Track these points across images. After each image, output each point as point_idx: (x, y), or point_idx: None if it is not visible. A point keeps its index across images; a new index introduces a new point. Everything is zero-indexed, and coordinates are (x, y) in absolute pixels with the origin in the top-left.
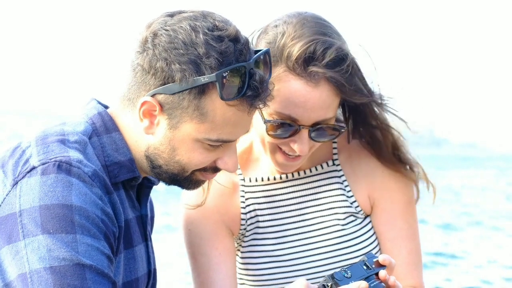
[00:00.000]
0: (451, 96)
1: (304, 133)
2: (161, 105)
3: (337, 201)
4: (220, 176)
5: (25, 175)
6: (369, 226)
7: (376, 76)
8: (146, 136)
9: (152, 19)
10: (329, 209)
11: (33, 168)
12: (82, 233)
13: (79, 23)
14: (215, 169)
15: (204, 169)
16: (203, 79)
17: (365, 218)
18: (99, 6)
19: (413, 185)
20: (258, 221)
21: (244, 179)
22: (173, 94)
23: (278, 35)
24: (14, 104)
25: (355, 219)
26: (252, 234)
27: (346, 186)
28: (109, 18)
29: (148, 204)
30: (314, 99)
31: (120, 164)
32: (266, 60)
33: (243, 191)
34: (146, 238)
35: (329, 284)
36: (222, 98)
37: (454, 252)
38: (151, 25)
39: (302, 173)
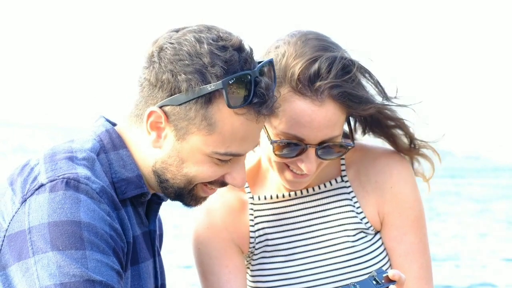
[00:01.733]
0: (455, 109)
1: (311, 152)
2: (167, 116)
3: (347, 218)
4: (228, 194)
5: (34, 192)
6: (379, 242)
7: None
8: (154, 151)
9: (158, 35)
10: (339, 225)
11: (42, 185)
12: (91, 249)
13: (85, 36)
14: (222, 184)
15: (210, 183)
16: (209, 87)
17: (375, 234)
18: (104, 19)
19: (421, 200)
20: (267, 239)
21: (252, 197)
22: (180, 104)
23: (280, 56)
24: (19, 117)
25: (365, 236)
26: (261, 252)
27: (355, 202)
28: (116, 32)
29: (157, 221)
30: (320, 118)
31: (127, 181)
32: (270, 69)
33: (251, 209)
34: (154, 254)
35: None
36: (229, 106)
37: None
38: (157, 40)
39: (310, 190)
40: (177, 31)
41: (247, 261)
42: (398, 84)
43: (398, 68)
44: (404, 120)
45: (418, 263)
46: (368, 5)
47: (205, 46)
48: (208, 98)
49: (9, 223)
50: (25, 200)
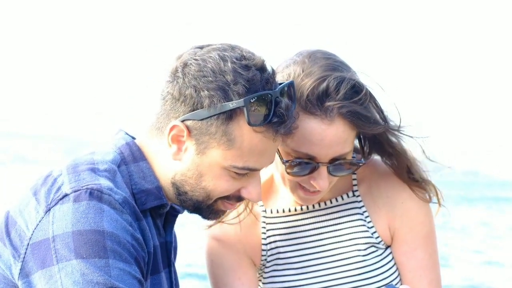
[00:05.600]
0: (453, 125)
1: (323, 169)
2: (189, 130)
3: (358, 232)
4: (241, 207)
5: (58, 202)
6: (390, 257)
7: (389, 106)
8: (174, 163)
9: (182, 51)
10: (350, 239)
11: (66, 195)
12: (114, 258)
13: (89, 45)
14: (238, 198)
15: (227, 198)
16: (231, 104)
17: (386, 249)
18: (107, 27)
19: (432, 215)
20: (278, 252)
21: (265, 210)
22: (202, 120)
23: (288, 76)
24: (19, 127)
25: (376, 250)
26: (272, 265)
27: (366, 217)
28: (120, 40)
29: (174, 235)
30: (330, 136)
31: (147, 192)
32: (291, 90)
33: (264, 222)
34: (169, 264)
35: None
36: (249, 124)
37: None
38: (181, 56)
39: (322, 204)
40: (201, 48)
41: (259, 273)
42: (399, 106)
43: (396, 84)
44: (407, 153)
45: (428, 279)
46: (364, 18)
47: (229, 64)
48: (229, 115)
49: (33, 231)
50: (49, 210)
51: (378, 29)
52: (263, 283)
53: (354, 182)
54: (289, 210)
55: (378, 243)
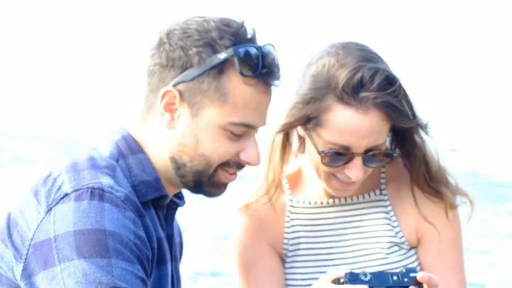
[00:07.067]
0: (453, 125)
1: (358, 160)
2: (181, 94)
3: (382, 230)
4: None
5: (59, 201)
6: (413, 258)
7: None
8: (169, 136)
9: (161, 26)
10: (373, 237)
11: (66, 194)
12: (116, 257)
13: (85, 44)
14: (238, 165)
15: (227, 165)
16: (221, 55)
17: (409, 249)
18: (108, 30)
19: (459, 217)
20: (300, 243)
21: (292, 200)
22: (193, 79)
23: (322, 67)
24: (14, 127)
25: (399, 249)
26: (293, 256)
27: (392, 216)
28: (116, 40)
29: (177, 230)
30: (366, 126)
31: (147, 183)
32: (273, 48)
33: (289, 211)
34: (171, 259)
35: (342, 281)
36: (241, 73)
37: None
38: (161, 30)
39: (349, 199)
40: (174, 20)
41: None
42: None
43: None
44: (428, 158)
45: (457, 280)
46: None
47: (212, 23)
48: (220, 69)
49: (34, 232)
50: (50, 210)
51: (377, 29)
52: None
53: (382, 181)
54: (315, 203)
55: (402, 243)
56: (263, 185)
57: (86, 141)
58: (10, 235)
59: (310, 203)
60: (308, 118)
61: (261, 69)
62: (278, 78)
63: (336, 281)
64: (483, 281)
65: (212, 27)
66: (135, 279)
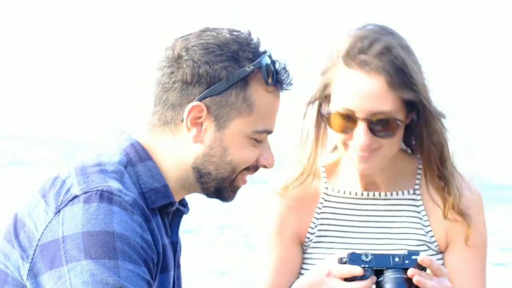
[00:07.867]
0: (453, 125)
1: (362, 124)
2: (208, 108)
3: (412, 228)
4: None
5: (68, 203)
6: (441, 262)
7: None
8: (194, 148)
9: (170, 42)
10: (402, 233)
11: (76, 196)
12: (123, 259)
13: (87, 46)
14: (255, 168)
15: (247, 169)
16: (248, 68)
17: (438, 253)
18: (107, 30)
19: (486, 223)
20: (327, 230)
21: (327, 188)
22: (220, 93)
23: (336, 39)
24: (15, 129)
25: (428, 249)
26: (317, 242)
27: (423, 216)
28: (118, 43)
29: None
30: (367, 88)
31: (156, 191)
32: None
33: (323, 198)
34: (174, 266)
35: (344, 260)
36: (266, 83)
37: None
38: (174, 46)
39: (382, 194)
40: (185, 36)
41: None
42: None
43: None
44: (446, 145)
45: (482, 285)
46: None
47: (227, 36)
48: (246, 81)
49: (42, 232)
50: (59, 211)
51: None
52: (304, 258)
53: (417, 181)
54: (350, 193)
55: (432, 243)
56: (298, 169)
57: (86, 144)
58: (17, 236)
59: (344, 192)
60: (326, 87)
61: (277, 76)
62: (292, 83)
63: (340, 260)
64: (485, 281)
65: (229, 41)
66: (141, 281)
